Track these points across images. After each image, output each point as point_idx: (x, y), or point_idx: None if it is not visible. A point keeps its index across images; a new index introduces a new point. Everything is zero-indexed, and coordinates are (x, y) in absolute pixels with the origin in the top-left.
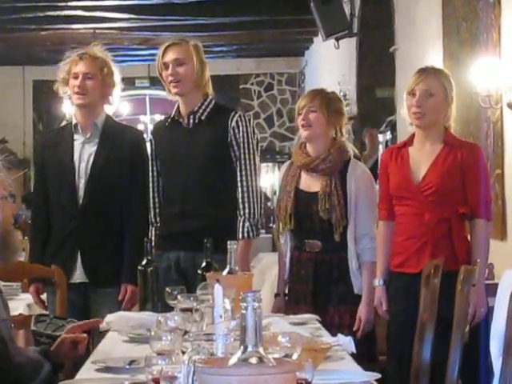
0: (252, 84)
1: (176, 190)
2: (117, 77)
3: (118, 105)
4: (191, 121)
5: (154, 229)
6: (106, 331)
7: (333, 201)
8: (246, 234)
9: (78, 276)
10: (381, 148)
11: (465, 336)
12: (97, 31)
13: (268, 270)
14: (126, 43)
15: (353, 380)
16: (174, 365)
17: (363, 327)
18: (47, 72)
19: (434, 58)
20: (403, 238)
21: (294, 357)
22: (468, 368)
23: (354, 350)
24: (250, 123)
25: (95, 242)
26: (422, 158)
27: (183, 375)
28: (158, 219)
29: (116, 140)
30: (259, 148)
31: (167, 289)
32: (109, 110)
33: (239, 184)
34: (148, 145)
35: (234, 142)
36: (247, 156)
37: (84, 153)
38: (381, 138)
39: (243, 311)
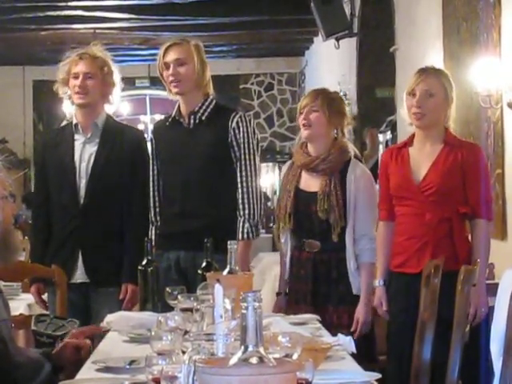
0: (252, 84)
1: (176, 190)
2: (116, 76)
3: (119, 105)
4: (192, 121)
5: (154, 228)
6: (107, 331)
7: (331, 201)
8: (245, 235)
9: (79, 276)
10: (381, 148)
11: (465, 336)
12: (97, 31)
13: (268, 270)
14: (127, 43)
15: (353, 380)
16: (174, 365)
17: (360, 328)
18: (47, 72)
19: (435, 57)
20: (404, 238)
21: (295, 357)
22: (468, 368)
23: (354, 349)
24: (250, 124)
25: (96, 242)
26: (422, 158)
27: (183, 375)
28: (158, 218)
29: (116, 140)
30: (259, 148)
31: (167, 289)
32: (109, 109)
33: (239, 185)
34: (148, 144)
35: (234, 143)
36: (247, 157)
37: (85, 153)
38: (381, 137)
39: (244, 311)
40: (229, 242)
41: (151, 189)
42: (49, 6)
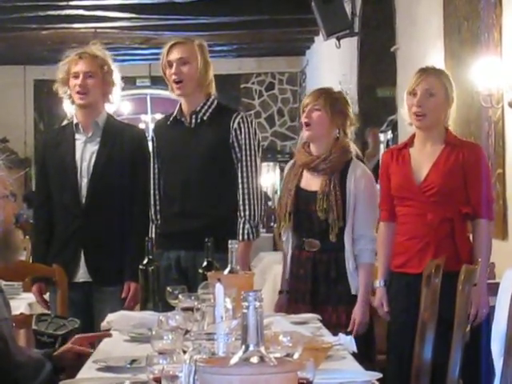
0: (253, 83)
1: (175, 189)
2: (116, 75)
3: (119, 104)
4: (193, 120)
5: (154, 226)
6: (107, 331)
7: (331, 201)
8: (246, 236)
9: (82, 275)
10: (382, 147)
11: (466, 336)
12: (98, 30)
13: (269, 270)
14: (127, 42)
15: (354, 379)
16: (175, 364)
17: (357, 329)
18: (48, 71)
19: (435, 57)
20: (405, 238)
21: (296, 356)
22: (469, 368)
23: (355, 349)
24: (252, 124)
25: (98, 241)
26: (423, 159)
27: (184, 374)
28: (158, 217)
29: (117, 139)
30: (260, 149)
31: (168, 288)
32: (109, 108)
33: (240, 185)
34: (149, 143)
35: (235, 144)
36: (248, 158)
37: (86, 152)
38: (382, 137)
39: (244, 310)
40: (229, 242)
41: (151, 187)
42: (50, 6)
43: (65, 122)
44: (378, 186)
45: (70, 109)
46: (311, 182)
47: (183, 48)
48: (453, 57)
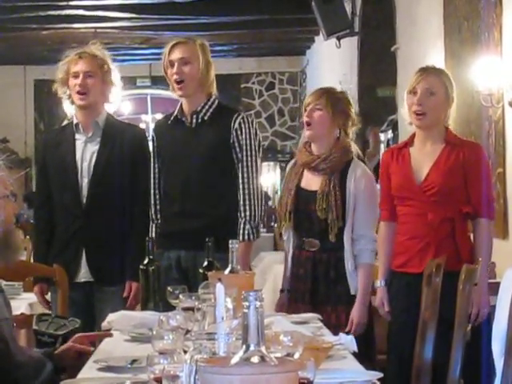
0: (253, 83)
1: (176, 189)
2: (116, 75)
3: (120, 104)
4: (194, 120)
5: (154, 226)
6: (108, 330)
7: (330, 201)
8: (246, 237)
9: (83, 275)
10: (382, 147)
11: (466, 335)
12: (98, 30)
13: (269, 270)
14: (128, 42)
15: (355, 379)
16: (175, 364)
17: (355, 329)
18: (48, 71)
19: (436, 57)
20: (406, 237)
21: (296, 356)
22: (470, 368)
23: (355, 349)
24: (252, 125)
25: (99, 241)
26: (423, 158)
27: (185, 374)
28: (158, 216)
29: (118, 138)
30: (261, 150)
31: (169, 288)
32: (109, 108)
33: (240, 186)
34: (150, 143)
35: (236, 144)
36: (249, 158)
37: (86, 152)
38: (382, 136)
39: (245, 310)
40: (230, 241)
41: (152, 187)
42: (50, 6)
43: (65, 122)
44: (378, 186)
45: (69, 109)
46: (311, 182)
47: (185, 48)
48: (453, 56)
